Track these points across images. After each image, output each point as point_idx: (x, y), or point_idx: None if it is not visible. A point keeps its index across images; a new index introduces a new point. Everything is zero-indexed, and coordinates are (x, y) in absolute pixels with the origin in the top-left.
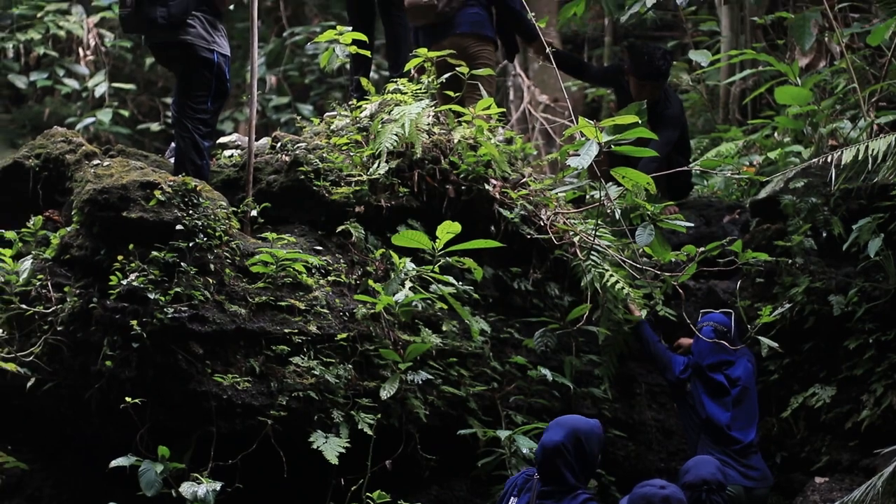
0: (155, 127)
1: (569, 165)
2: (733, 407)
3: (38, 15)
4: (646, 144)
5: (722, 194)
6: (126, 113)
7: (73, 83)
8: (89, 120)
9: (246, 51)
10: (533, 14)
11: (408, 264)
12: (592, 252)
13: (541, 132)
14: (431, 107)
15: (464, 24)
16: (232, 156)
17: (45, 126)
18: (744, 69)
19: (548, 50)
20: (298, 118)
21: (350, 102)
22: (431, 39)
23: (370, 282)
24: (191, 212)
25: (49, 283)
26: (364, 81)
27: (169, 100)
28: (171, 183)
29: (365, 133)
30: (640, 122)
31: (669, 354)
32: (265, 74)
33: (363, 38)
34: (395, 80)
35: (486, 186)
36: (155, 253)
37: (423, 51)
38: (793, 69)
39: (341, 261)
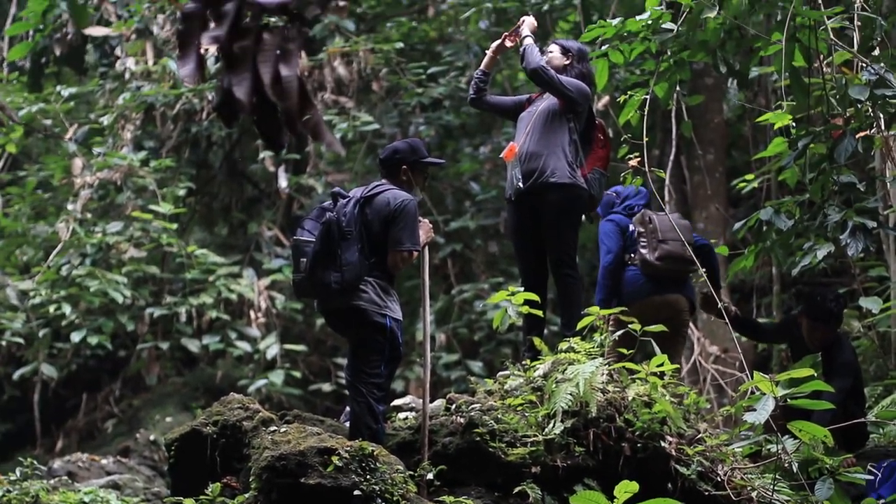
0: (326, 387)
1: (745, 420)
2: None
3: (210, 279)
4: (820, 396)
5: None
6: (298, 374)
7: (244, 345)
8: (261, 382)
9: (414, 308)
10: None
11: None
12: None
13: (712, 384)
14: (605, 365)
15: (689, 286)
16: (406, 418)
17: (218, 389)
18: None
19: (720, 305)
20: (470, 377)
21: (523, 361)
22: (659, 289)
23: None
24: (368, 477)
25: None
26: (537, 341)
27: (339, 360)
28: (348, 448)
29: (539, 393)
30: (815, 374)
31: None
32: (435, 332)
33: (535, 298)
34: (567, 338)
35: (663, 444)
36: None
37: (594, 309)
38: None
39: None
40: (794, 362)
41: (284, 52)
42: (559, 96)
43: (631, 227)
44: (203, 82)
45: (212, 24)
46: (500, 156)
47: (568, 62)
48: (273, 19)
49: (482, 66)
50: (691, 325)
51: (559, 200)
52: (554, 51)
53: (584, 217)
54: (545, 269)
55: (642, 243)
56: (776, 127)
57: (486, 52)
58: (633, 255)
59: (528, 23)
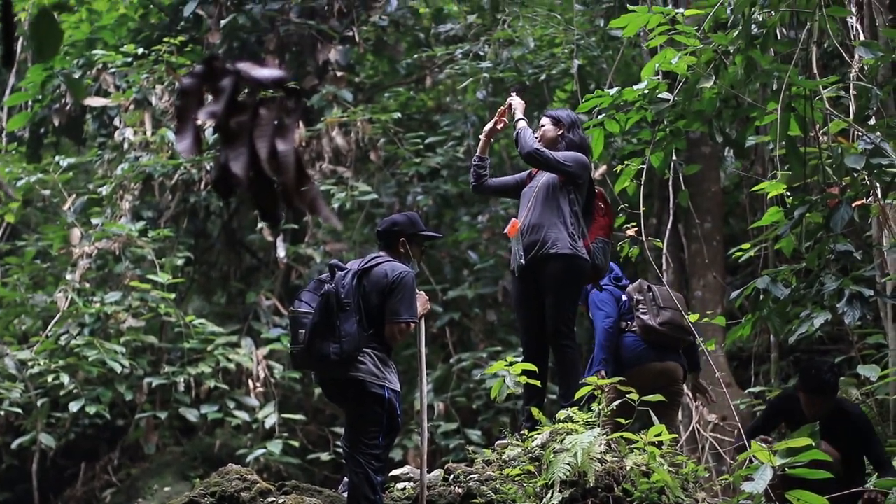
0: (325, 457)
1: (743, 489)
2: None
3: (208, 348)
4: (821, 466)
5: None
6: (296, 443)
7: (243, 415)
8: (260, 451)
9: (412, 377)
10: (701, 339)
11: None
12: None
13: (711, 452)
14: (603, 434)
15: (682, 356)
16: (405, 488)
17: (217, 458)
18: None
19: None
20: (468, 446)
21: (521, 431)
22: (659, 356)
23: None
24: None
25: None
26: (535, 411)
27: (337, 429)
28: None
29: (537, 463)
30: (813, 444)
31: None
32: (433, 401)
33: (534, 368)
34: (565, 407)
35: None
36: None
37: (592, 379)
38: None
39: None
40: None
41: (281, 127)
42: (558, 173)
43: (624, 298)
44: (201, 154)
45: (209, 99)
46: (504, 231)
47: (560, 132)
48: (270, 93)
49: (478, 153)
50: (689, 393)
51: (559, 271)
52: (545, 123)
53: (590, 287)
54: (545, 340)
55: (642, 310)
56: (770, 196)
57: (480, 136)
58: (629, 323)
59: (517, 104)
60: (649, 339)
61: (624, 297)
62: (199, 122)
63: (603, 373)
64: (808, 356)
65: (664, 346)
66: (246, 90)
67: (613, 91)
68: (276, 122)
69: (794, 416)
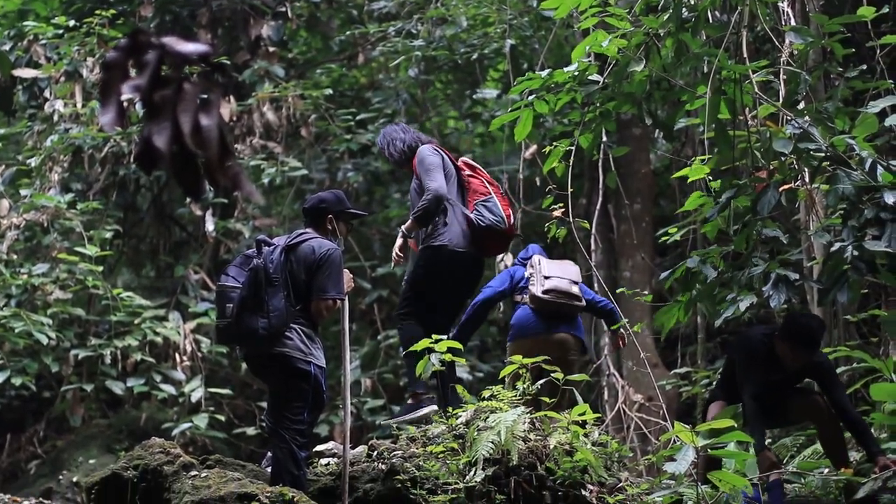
0: (251, 431)
1: (666, 470)
2: None
3: (136, 321)
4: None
5: (820, 493)
6: (222, 417)
7: (169, 388)
8: (186, 425)
9: (338, 353)
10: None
11: None
12: None
13: (636, 432)
14: (527, 413)
15: (579, 326)
16: (328, 464)
17: (143, 431)
18: (838, 366)
19: None
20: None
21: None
22: (549, 328)
23: None
24: None
25: None
26: (459, 388)
27: (263, 403)
28: (269, 493)
29: (461, 440)
30: (735, 425)
31: None
32: (360, 377)
33: (459, 346)
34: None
35: (584, 492)
36: None
37: (518, 358)
38: (888, 365)
39: None
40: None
41: (205, 102)
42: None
43: (522, 274)
44: (125, 129)
45: (133, 73)
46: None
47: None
48: (194, 69)
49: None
50: (616, 373)
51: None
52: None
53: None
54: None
55: (531, 282)
56: (690, 180)
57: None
58: (523, 297)
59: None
60: (538, 310)
61: (525, 273)
62: (124, 96)
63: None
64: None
65: (553, 315)
66: (171, 64)
67: (545, 73)
68: (200, 97)
69: (770, 365)
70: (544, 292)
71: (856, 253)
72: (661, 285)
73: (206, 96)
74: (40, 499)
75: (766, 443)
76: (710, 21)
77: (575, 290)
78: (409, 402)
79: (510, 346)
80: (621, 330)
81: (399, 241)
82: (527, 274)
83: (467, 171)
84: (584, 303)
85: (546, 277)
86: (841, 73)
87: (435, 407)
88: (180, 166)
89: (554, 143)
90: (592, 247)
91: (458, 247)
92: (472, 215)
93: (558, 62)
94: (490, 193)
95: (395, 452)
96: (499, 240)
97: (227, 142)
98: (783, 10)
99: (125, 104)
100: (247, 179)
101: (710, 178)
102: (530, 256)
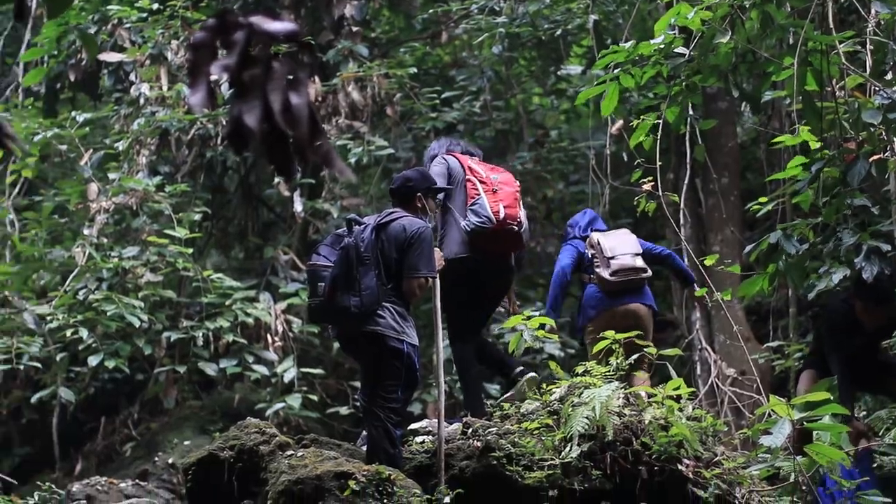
0: (344, 411)
1: (761, 443)
2: None
3: (227, 303)
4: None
5: None
6: (315, 397)
7: (262, 369)
8: (279, 405)
9: (431, 331)
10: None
11: None
12: None
13: (730, 406)
14: (622, 388)
15: (648, 295)
16: (423, 442)
17: (236, 412)
18: None
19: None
20: (487, 400)
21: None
22: (616, 302)
23: None
24: (385, 501)
25: None
26: (553, 365)
27: (356, 383)
28: (365, 472)
29: (556, 416)
30: (831, 397)
31: None
32: (451, 355)
33: (551, 322)
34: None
35: (680, 467)
36: None
37: (610, 333)
38: None
39: None
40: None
41: (294, 80)
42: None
43: (586, 251)
44: (215, 108)
45: (222, 53)
46: None
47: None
48: (283, 47)
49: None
50: (708, 347)
51: None
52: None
53: None
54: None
55: (596, 263)
56: (785, 145)
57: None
58: (591, 276)
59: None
60: (607, 290)
61: (587, 251)
62: (212, 76)
63: (552, 320)
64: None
65: (623, 292)
66: (258, 44)
67: (629, 45)
68: (289, 76)
69: (852, 329)
70: (612, 274)
71: None
72: (749, 258)
73: (295, 75)
74: (136, 480)
75: (857, 415)
76: None
77: (639, 262)
78: (463, 415)
79: (589, 328)
80: (698, 292)
81: None
82: (589, 254)
83: (467, 175)
84: (649, 272)
85: (610, 258)
86: None
87: (532, 373)
88: (271, 145)
89: (641, 118)
90: (682, 221)
91: (459, 254)
92: (462, 222)
93: (642, 37)
94: (479, 194)
95: (490, 430)
96: (495, 239)
97: (317, 119)
98: None
99: (215, 85)
100: (337, 156)
101: (816, 141)
102: (587, 232)
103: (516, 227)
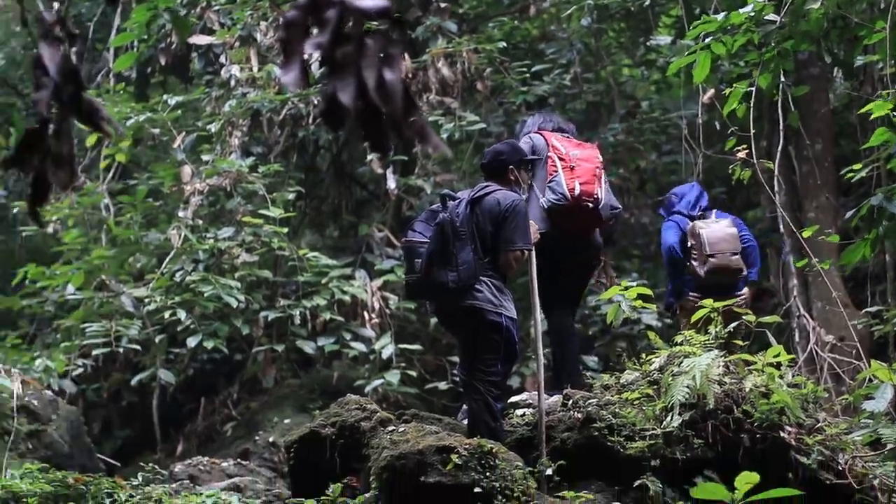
0: (443, 386)
1: (864, 409)
2: None
3: (323, 281)
4: None
5: None
6: (413, 373)
7: (359, 346)
8: (378, 382)
9: (528, 304)
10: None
11: None
12: (894, 495)
13: (830, 373)
14: (721, 356)
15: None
16: (524, 414)
17: (334, 390)
18: None
19: None
20: (585, 372)
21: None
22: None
23: None
24: (488, 474)
25: None
26: (651, 334)
27: (454, 358)
28: (467, 446)
29: (656, 386)
30: None
31: None
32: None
33: (649, 292)
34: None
35: (782, 434)
36: None
37: (708, 302)
38: None
39: None
40: None
41: (387, 57)
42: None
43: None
44: (307, 88)
45: (314, 31)
46: None
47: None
48: (375, 24)
49: None
50: (806, 314)
51: None
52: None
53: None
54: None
55: (694, 256)
56: (873, 116)
57: None
58: (689, 265)
59: None
60: (699, 283)
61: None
62: (305, 54)
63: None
64: None
65: (713, 287)
66: (351, 21)
67: (721, 16)
68: (381, 53)
69: None
70: (707, 272)
71: None
72: (846, 225)
73: (388, 51)
74: (238, 460)
75: None
76: None
77: (736, 262)
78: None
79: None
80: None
81: None
82: (689, 243)
83: (549, 152)
84: (745, 271)
85: (709, 256)
86: None
87: None
88: (366, 122)
89: (733, 85)
90: (776, 188)
91: (539, 230)
92: (541, 199)
93: (730, 7)
94: (557, 171)
95: (591, 401)
96: (570, 216)
97: (410, 95)
98: None
99: (306, 63)
100: (432, 131)
101: (895, 114)
102: (694, 211)
103: (591, 204)
